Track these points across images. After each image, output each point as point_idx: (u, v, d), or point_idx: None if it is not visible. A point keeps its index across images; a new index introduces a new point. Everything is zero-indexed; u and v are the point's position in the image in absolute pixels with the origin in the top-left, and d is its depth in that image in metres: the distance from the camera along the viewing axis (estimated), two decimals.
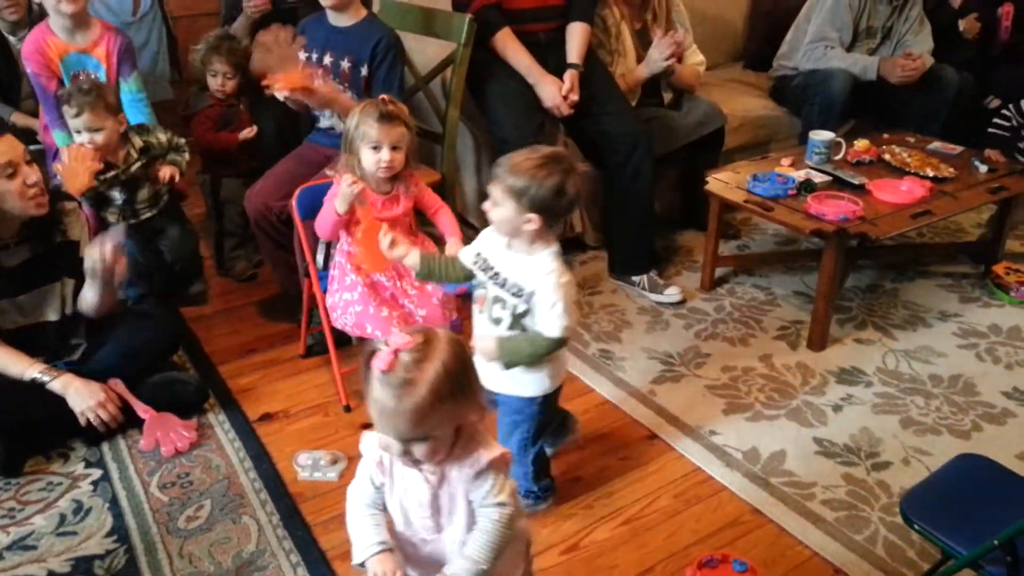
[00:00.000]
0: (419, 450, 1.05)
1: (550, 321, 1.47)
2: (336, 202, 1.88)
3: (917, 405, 2.09)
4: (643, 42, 2.80)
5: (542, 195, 1.41)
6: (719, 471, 1.87)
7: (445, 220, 2.03)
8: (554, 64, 2.48)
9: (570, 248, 2.87)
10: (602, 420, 2.06)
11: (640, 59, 2.78)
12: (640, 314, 2.53)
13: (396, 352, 1.01)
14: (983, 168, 2.58)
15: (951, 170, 2.54)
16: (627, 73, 2.76)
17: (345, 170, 1.88)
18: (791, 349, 2.35)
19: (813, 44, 3.12)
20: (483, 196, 2.70)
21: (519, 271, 1.49)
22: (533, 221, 1.43)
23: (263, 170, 2.38)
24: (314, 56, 2.29)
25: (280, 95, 2.12)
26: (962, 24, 3.35)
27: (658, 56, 2.72)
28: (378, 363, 1.01)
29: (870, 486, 1.82)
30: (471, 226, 2.93)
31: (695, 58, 2.93)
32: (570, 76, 2.47)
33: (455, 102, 2.45)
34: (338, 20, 2.26)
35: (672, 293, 2.57)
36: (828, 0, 3.11)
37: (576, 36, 2.51)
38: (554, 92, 2.42)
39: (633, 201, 2.56)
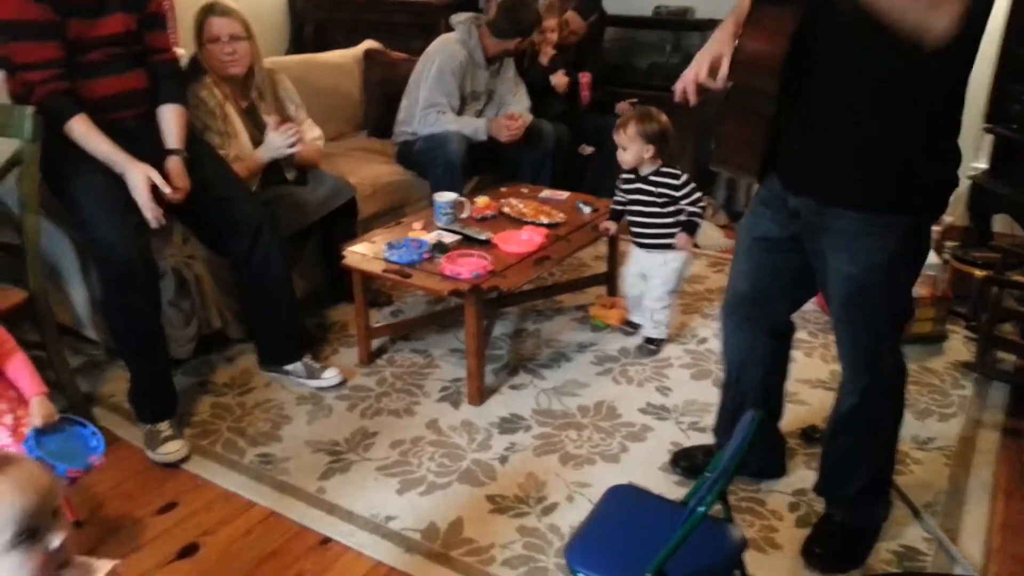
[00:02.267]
0: None
1: None
2: None
3: (571, 439, 2.22)
4: (254, 121, 2.68)
5: None
6: (401, 559, 1.78)
7: (17, 370, 1.62)
8: (150, 152, 2.22)
9: (213, 345, 2.62)
10: (270, 537, 1.85)
11: (253, 139, 2.65)
12: (300, 404, 2.37)
13: None
14: (587, 210, 2.89)
15: (561, 215, 2.80)
16: (243, 156, 2.60)
17: None
18: (454, 408, 2.37)
19: (426, 110, 3.26)
20: (96, 304, 2.36)
21: None
22: None
23: None
24: None
25: None
26: (553, 79, 3.76)
27: (281, 143, 2.62)
28: None
29: (543, 533, 1.86)
30: (89, 340, 2.54)
31: (312, 133, 2.88)
32: (174, 163, 2.24)
33: (31, 207, 2.07)
34: None
35: (331, 376, 2.46)
36: (433, 69, 3.27)
37: (170, 119, 2.28)
38: (146, 179, 2.14)
39: (269, 287, 2.40)
